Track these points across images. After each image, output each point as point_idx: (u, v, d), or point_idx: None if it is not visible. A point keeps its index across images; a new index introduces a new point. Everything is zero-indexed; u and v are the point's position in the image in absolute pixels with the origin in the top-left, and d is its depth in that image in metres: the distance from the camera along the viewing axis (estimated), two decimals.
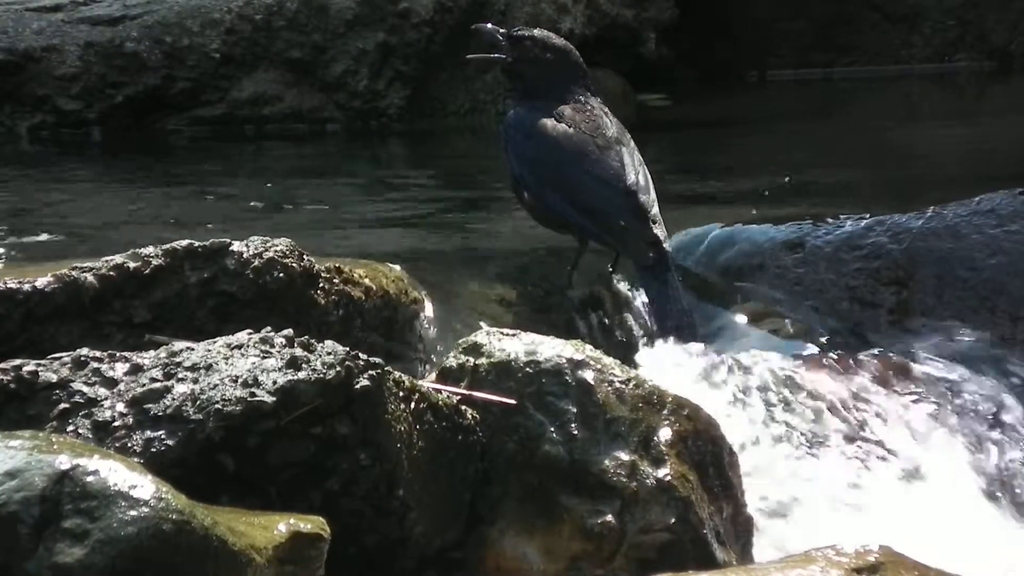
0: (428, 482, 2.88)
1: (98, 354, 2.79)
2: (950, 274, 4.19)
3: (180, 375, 2.74)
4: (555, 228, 4.08)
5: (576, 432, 3.03)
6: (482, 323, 3.63)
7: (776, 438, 3.59)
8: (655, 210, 3.95)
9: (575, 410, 3.04)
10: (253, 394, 2.68)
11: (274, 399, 2.69)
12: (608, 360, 3.16)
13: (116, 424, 2.66)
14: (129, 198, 5.40)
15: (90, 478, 2.38)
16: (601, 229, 3.95)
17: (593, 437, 3.04)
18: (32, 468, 2.38)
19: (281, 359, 2.75)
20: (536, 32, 4.17)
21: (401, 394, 2.85)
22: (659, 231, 3.92)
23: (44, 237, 4.36)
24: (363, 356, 2.79)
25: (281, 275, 3.24)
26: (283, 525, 2.55)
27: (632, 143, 4.06)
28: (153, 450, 2.63)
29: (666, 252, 3.92)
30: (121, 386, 2.72)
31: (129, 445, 2.63)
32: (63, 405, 2.69)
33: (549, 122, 4.02)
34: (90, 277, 3.14)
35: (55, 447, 2.43)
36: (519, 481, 3.01)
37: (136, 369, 2.76)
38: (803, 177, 5.57)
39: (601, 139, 4.00)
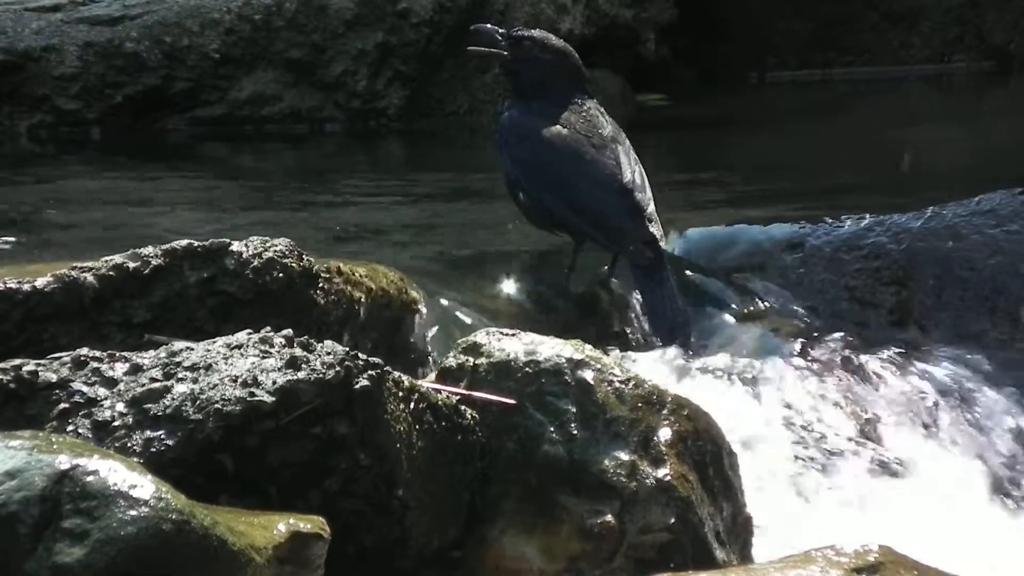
0: (427, 482, 2.87)
1: (98, 354, 2.78)
2: (950, 274, 4.19)
3: (180, 375, 2.73)
4: (551, 229, 4.07)
5: (576, 432, 3.03)
6: (482, 323, 3.63)
7: (775, 438, 3.59)
8: (651, 209, 3.95)
9: (575, 410, 3.04)
10: (253, 394, 2.68)
11: (274, 399, 2.68)
12: (607, 360, 3.15)
13: (116, 424, 2.66)
14: (128, 198, 5.39)
15: (90, 478, 2.37)
16: (597, 229, 3.94)
17: (593, 437, 3.03)
18: (32, 468, 2.37)
19: (281, 359, 2.75)
20: (535, 33, 4.16)
21: (400, 394, 2.84)
22: (655, 230, 3.91)
23: (44, 237, 4.35)
24: (363, 356, 2.79)
25: (281, 275, 3.24)
26: (283, 525, 2.55)
27: (628, 142, 4.06)
28: (153, 450, 2.63)
29: (663, 251, 3.92)
30: (121, 386, 2.72)
31: (129, 445, 2.63)
32: (63, 405, 2.69)
33: (543, 124, 4.01)
34: (90, 277, 3.14)
35: (55, 447, 2.43)
36: (519, 481, 3.00)
37: (136, 369, 2.76)
38: (803, 177, 5.57)
39: (596, 139, 3.99)
